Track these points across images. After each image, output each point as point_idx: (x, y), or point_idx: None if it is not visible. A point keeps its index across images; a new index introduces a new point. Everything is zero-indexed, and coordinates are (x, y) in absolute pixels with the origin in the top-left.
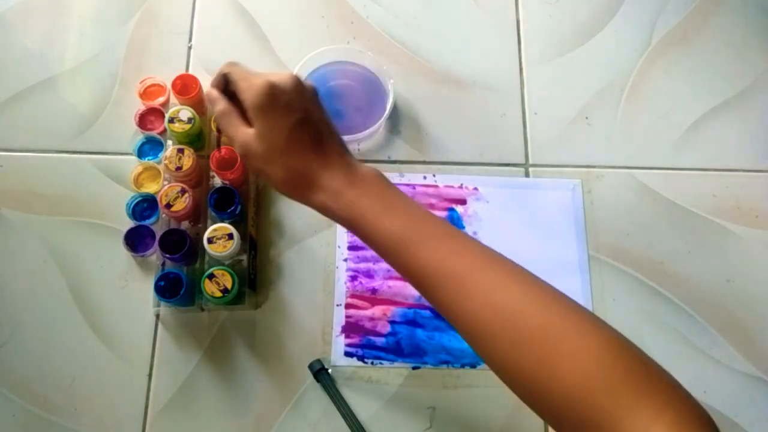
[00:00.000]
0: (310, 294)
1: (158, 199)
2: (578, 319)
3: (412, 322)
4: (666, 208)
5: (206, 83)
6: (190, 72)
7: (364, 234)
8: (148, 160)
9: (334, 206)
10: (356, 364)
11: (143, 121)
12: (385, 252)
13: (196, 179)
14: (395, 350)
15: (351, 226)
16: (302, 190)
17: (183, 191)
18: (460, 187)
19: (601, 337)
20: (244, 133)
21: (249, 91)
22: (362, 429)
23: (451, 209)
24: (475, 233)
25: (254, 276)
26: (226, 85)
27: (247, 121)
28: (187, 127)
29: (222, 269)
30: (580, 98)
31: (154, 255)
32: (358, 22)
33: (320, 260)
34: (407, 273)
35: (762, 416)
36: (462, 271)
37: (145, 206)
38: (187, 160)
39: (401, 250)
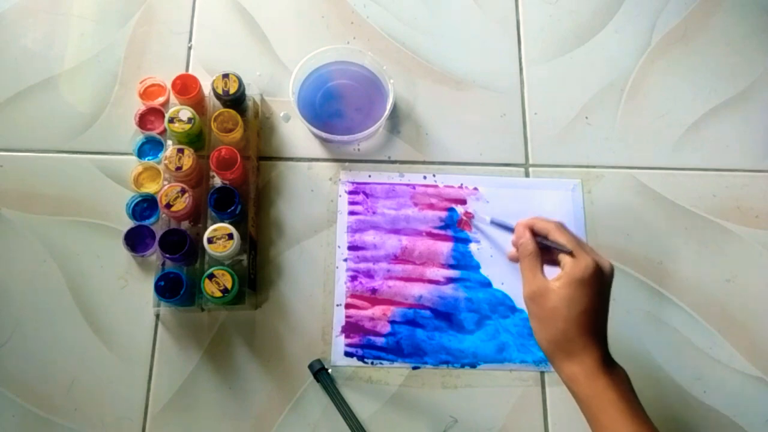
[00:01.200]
0: (310, 294)
1: (158, 199)
2: None
3: (412, 322)
4: (666, 208)
5: (206, 83)
6: (190, 72)
7: (596, 421)
8: (148, 160)
9: (583, 382)
10: (356, 364)
11: (143, 121)
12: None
13: (196, 179)
14: (395, 350)
15: (589, 407)
16: (563, 354)
17: (183, 191)
18: (460, 187)
19: None
20: (543, 282)
21: (577, 263)
22: (362, 429)
23: (451, 209)
24: (475, 233)
25: (254, 276)
26: (534, 233)
27: (542, 272)
28: (187, 127)
29: (222, 269)
30: (580, 98)
31: (154, 255)
32: (358, 22)
33: (320, 260)
34: None
35: (762, 416)
36: None
37: (145, 206)
38: (187, 160)
39: None
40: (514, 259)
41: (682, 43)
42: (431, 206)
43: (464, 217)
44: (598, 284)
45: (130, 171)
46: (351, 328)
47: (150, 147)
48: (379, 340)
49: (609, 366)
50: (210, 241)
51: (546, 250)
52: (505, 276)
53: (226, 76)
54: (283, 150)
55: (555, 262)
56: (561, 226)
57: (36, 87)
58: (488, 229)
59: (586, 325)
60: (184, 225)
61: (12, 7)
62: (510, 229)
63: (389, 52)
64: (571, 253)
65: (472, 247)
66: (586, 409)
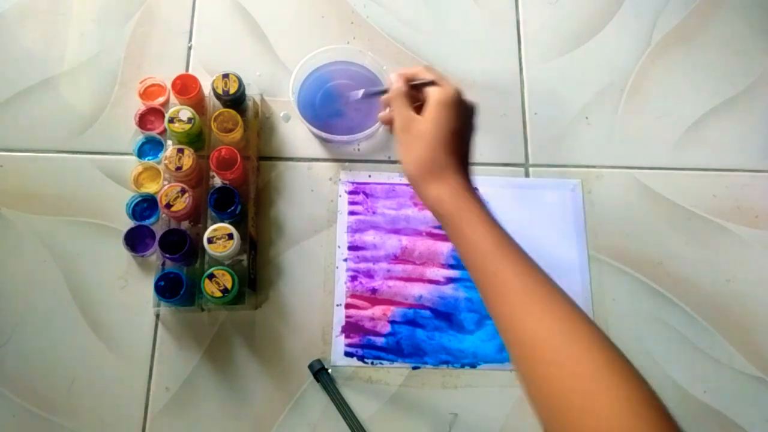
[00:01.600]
0: (310, 294)
1: (158, 199)
2: (608, 367)
3: (412, 322)
4: (666, 208)
5: (206, 83)
6: (190, 72)
7: (461, 235)
8: (148, 160)
9: (448, 200)
10: (356, 364)
11: (143, 121)
12: (466, 251)
13: (196, 179)
14: (395, 350)
15: (454, 223)
16: (428, 177)
17: (183, 191)
18: None
19: (630, 393)
20: (409, 114)
21: (441, 89)
22: (362, 429)
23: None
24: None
25: (254, 276)
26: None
27: (412, 109)
28: (187, 127)
29: (222, 269)
30: (580, 98)
31: (154, 255)
32: (358, 22)
33: (320, 260)
34: (470, 272)
35: (762, 416)
36: (517, 290)
37: (145, 206)
38: (187, 160)
39: (480, 255)
40: (385, 121)
41: (682, 43)
42: None
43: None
44: (462, 108)
45: (130, 171)
46: (351, 328)
47: (150, 147)
48: (379, 340)
49: (472, 189)
50: (210, 241)
51: (415, 99)
52: None
53: (226, 76)
54: (283, 150)
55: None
56: (429, 67)
57: (36, 87)
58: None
59: (451, 146)
60: (184, 225)
61: (12, 7)
62: (380, 93)
63: (389, 52)
64: (434, 83)
65: None
66: (450, 225)
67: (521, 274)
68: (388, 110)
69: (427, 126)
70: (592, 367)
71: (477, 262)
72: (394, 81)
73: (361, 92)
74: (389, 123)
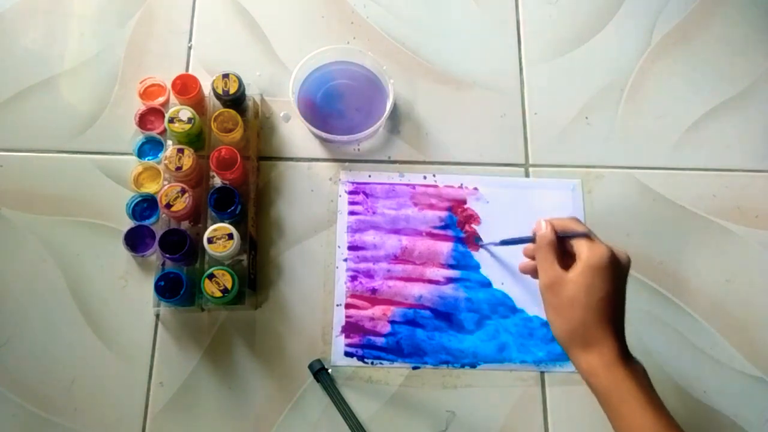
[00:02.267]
0: (310, 294)
1: (158, 199)
2: None
3: (412, 322)
4: (666, 208)
5: (206, 83)
6: (190, 72)
7: (617, 414)
8: (148, 160)
9: (602, 374)
10: (356, 364)
11: (143, 121)
12: (615, 426)
13: (196, 179)
14: (395, 350)
15: (609, 399)
16: (580, 345)
17: (183, 191)
18: (460, 187)
19: None
20: (560, 272)
21: (593, 250)
22: (362, 429)
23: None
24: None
25: (254, 276)
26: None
27: (560, 263)
28: (187, 127)
29: (222, 269)
30: (580, 98)
31: (154, 255)
32: (358, 22)
33: (320, 260)
34: None
35: (762, 416)
36: None
37: (145, 206)
38: (187, 160)
39: None
40: (527, 271)
41: (682, 43)
42: (431, 206)
43: (469, 235)
44: (616, 271)
45: (130, 171)
46: (351, 328)
47: (150, 147)
48: (379, 340)
49: (627, 357)
50: (210, 241)
51: (561, 250)
52: (505, 276)
53: (226, 76)
54: (283, 150)
55: (569, 261)
56: (577, 219)
57: (36, 87)
58: (489, 229)
59: (604, 313)
60: (184, 225)
61: (12, 7)
62: (520, 241)
63: (389, 52)
64: (587, 238)
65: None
66: (606, 402)
67: None
68: (528, 260)
69: (579, 292)
70: None
71: None
72: (542, 229)
73: (498, 240)
74: (531, 273)
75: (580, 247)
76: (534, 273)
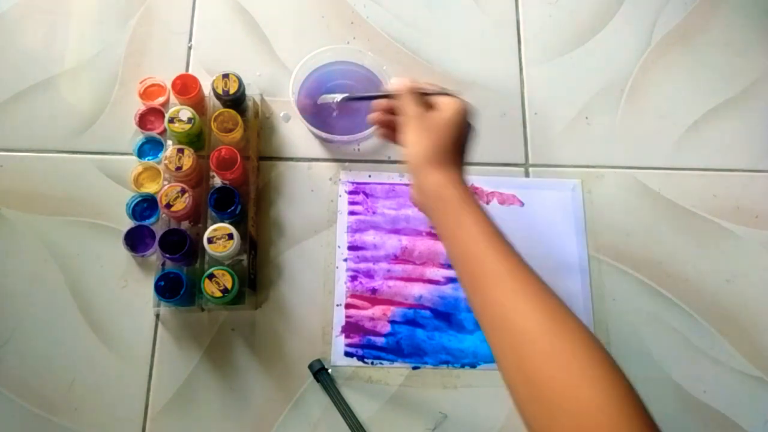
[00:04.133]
0: (310, 294)
1: (158, 199)
2: (589, 361)
3: (412, 322)
4: (666, 208)
5: (206, 83)
6: (190, 72)
7: (455, 216)
8: (148, 160)
9: (449, 185)
10: (356, 364)
11: (143, 121)
12: (458, 236)
13: (196, 179)
14: (395, 350)
15: (451, 204)
16: (435, 165)
17: (183, 191)
18: None
19: (612, 387)
20: (421, 109)
21: (454, 99)
22: (362, 429)
23: None
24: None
25: (254, 276)
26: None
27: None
28: (187, 127)
29: (222, 269)
30: (580, 98)
31: (154, 255)
32: (358, 22)
33: (320, 260)
34: (457, 260)
35: (762, 416)
36: (507, 277)
37: (145, 206)
38: (187, 160)
39: (473, 240)
40: (376, 121)
41: (682, 43)
42: None
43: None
44: (469, 124)
45: (130, 171)
46: (351, 328)
47: (150, 147)
48: (379, 340)
49: (465, 180)
50: (210, 241)
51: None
52: None
53: (226, 76)
54: (283, 150)
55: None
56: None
57: (36, 87)
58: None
59: (459, 146)
60: (184, 225)
61: (12, 7)
62: (370, 97)
63: (389, 52)
64: (447, 95)
65: None
66: (449, 211)
67: (513, 264)
68: (379, 114)
69: (444, 122)
70: (576, 357)
71: (469, 248)
72: (400, 82)
73: (340, 96)
74: (382, 124)
75: (442, 98)
76: (385, 125)
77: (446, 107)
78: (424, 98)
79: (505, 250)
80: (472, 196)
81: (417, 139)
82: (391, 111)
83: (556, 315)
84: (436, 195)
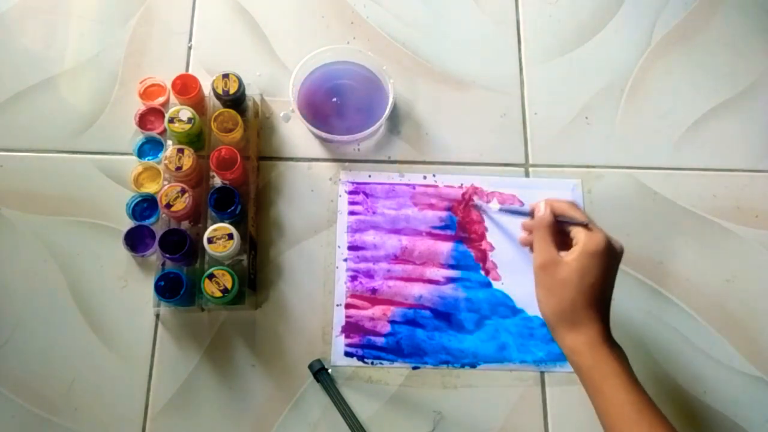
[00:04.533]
0: (310, 294)
1: (158, 199)
2: None
3: (412, 322)
4: (666, 208)
5: (206, 83)
6: (190, 72)
7: (598, 391)
8: (148, 160)
9: (586, 352)
10: (356, 364)
11: (143, 121)
12: (603, 409)
13: (196, 179)
14: (395, 350)
15: (591, 377)
16: (567, 325)
17: (183, 191)
18: (460, 187)
19: None
20: (556, 254)
21: (591, 237)
22: (362, 429)
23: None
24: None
25: (254, 276)
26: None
27: (556, 245)
28: (187, 127)
29: (222, 269)
30: (580, 98)
31: (154, 255)
32: (358, 22)
33: (320, 260)
34: (602, 422)
35: (762, 416)
36: None
37: (145, 206)
38: (187, 160)
39: (617, 416)
40: (525, 243)
41: (682, 43)
42: (431, 206)
43: (469, 204)
44: (610, 259)
45: (130, 171)
46: (351, 328)
47: (150, 147)
48: (379, 340)
49: (611, 340)
50: (210, 241)
51: (559, 232)
52: (505, 276)
53: (226, 76)
54: (283, 150)
55: (566, 246)
56: (575, 204)
57: (36, 87)
58: (488, 229)
59: (594, 298)
60: (184, 225)
61: (12, 7)
62: (519, 213)
63: (389, 52)
64: (586, 226)
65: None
66: (588, 380)
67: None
68: (526, 234)
69: (572, 275)
70: None
71: (611, 422)
72: (541, 210)
73: (498, 207)
74: (528, 246)
75: (577, 233)
76: (532, 246)
77: (580, 251)
78: (562, 226)
79: (651, 424)
80: (611, 357)
81: (544, 295)
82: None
83: None
84: (570, 359)
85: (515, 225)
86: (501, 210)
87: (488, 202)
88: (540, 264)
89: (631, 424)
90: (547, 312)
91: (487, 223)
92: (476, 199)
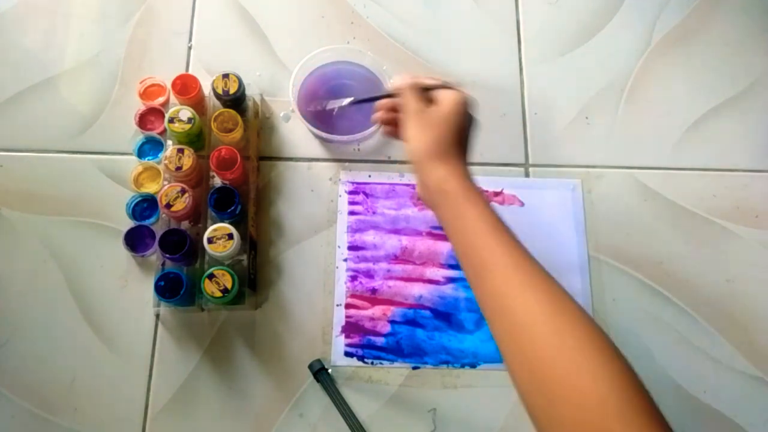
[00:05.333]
0: (310, 294)
1: (158, 199)
2: (592, 352)
3: (412, 322)
4: (666, 208)
5: (206, 83)
6: (190, 72)
7: (458, 214)
8: (148, 160)
9: (452, 179)
10: (356, 364)
11: (143, 121)
12: (462, 228)
13: (196, 179)
14: (395, 350)
15: (454, 199)
16: (436, 157)
17: (183, 191)
18: None
19: (614, 373)
20: (422, 104)
21: (455, 92)
22: (362, 429)
23: None
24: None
25: (254, 276)
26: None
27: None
28: (187, 127)
29: (222, 269)
30: (580, 98)
31: (154, 255)
32: (358, 22)
33: (320, 260)
34: (460, 252)
35: (762, 416)
36: (509, 266)
37: (145, 206)
38: (187, 160)
39: (476, 232)
40: (384, 120)
41: (682, 43)
42: None
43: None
44: (470, 115)
45: (130, 171)
46: (351, 328)
47: (150, 147)
48: (379, 340)
49: (468, 171)
50: (210, 241)
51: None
52: None
53: (226, 76)
54: (283, 150)
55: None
56: (431, 77)
57: (36, 87)
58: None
59: (461, 139)
60: (184, 225)
61: (12, 7)
62: (375, 98)
63: (389, 52)
64: (449, 88)
65: None
66: (452, 205)
67: (515, 253)
68: (383, 113)
69: (445, 116)
70: (579, 346)
71: (472, 239)
72: (402, 79)
73: (347, 100)
74: (386, 122)
75: (441, 92)
76: (390, 122)
77: (446, 100)
78: (426, 93)
79: (508, 240)
80: (475, 188)
81: (417, 134)
82: (395, 109)
83: (559, 304)
84: (438, 189)
85: (516, 225)
86: (354, 101)
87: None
88: (414, 110)
89: (485, 235)
90: (419, 148)
91: None
92: (330, 103)
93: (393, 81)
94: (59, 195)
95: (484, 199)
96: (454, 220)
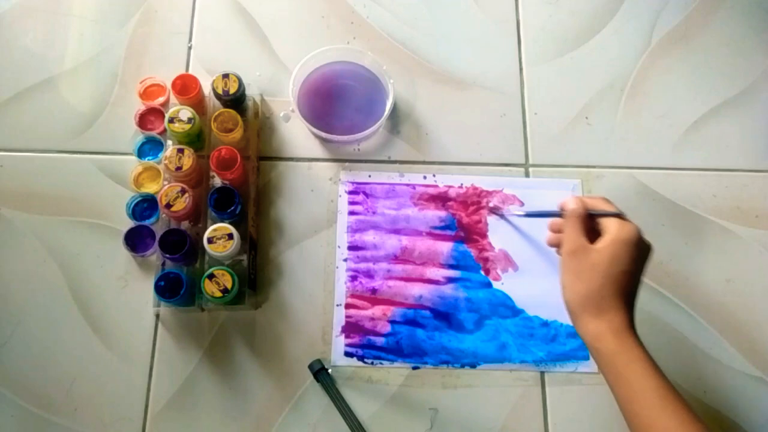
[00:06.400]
0: (310, 294)
1: (158, 199)
2: None
3: (412, 322)
4: (666, 208)
5: (206, 83)
6: (190, 72)
7: (621, 377)
8: (148, 160)
9: (610, 338)
10: (356, 364)
11: (143, 121)
12: (624, 394)
13: (196, 179)
14: (395, 350)
15: (614, 364)
16: (592, 311)
17: (183, 191)
18: (460, 187)
19: None
20: (584, 241)
21: (623, 226)
22: (362, 429)
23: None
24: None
25: (254, 276)
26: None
27: (586, 237)
28: (187, 127)
29: (222, 269)
30: (580, 98)
31: (154, 255)
32: (358, 22)
33: (320, 260)
34: (623, 409)
35: (762, 416)
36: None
37: (145, 206)
38: (187, 160)
39: (638, 402)
40: (554, 244)
41: (682, 43)
42: (431, 206)
43: (492, 210)
44: (641, 251)
45: (130, 171)
46: (351, 328)
47: (150, 147)
48: (379, 340)
49: (634, 331)
50: (210, 241)
51: (589, 227)
52: (505, 276)
53: (226, 76)
54: (283, 150)
55: (596, 238)
56: (607, 199)
57: (36, 87)
58: (488, 229)
59: (622, 286)
60: (184, 225)
61: (12, 7)
62: (547, 215)
63: (389, 52)
64: (619, 216)
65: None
66: (610, 366)
67: (682, 419)
68: (552, 234)
69: (603, 259)
70: None
71: (634, 408)
72: (571, 204)
73: (523, 211)
74: (556, 246)
75: (609, 223)
76: (557, 245)
77: (610, 238)
78: (592, 221)
79: (673, 410)
80: (634, 345)
81: (571, 283)
82: (561, 230)
83: None
84: (591, 347)
85: (517, 225)
86: (527, 214)
87: (502, 204)
88: (570, 249)
89: (654, 410)
90: (572, 297)
91: (490, 224)
92: (495, 202)
93: (564, 201)
94: (59, 195)
95: (646, 357)
96: (613, 379)
